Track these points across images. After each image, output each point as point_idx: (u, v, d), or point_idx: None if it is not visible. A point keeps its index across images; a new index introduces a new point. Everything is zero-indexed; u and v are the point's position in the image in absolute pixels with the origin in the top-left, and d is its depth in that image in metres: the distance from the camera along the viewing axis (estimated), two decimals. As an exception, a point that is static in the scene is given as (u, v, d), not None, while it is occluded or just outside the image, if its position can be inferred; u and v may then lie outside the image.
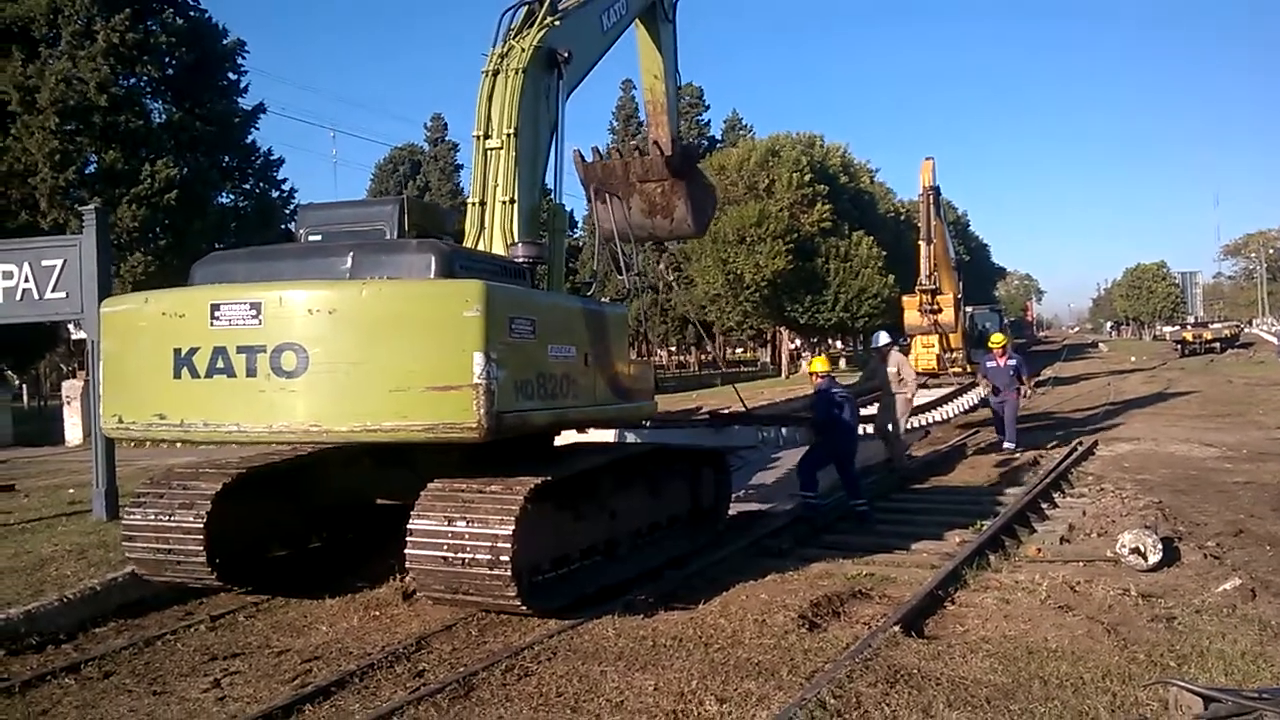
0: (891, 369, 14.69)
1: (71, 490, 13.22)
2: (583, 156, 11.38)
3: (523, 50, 8.68)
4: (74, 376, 26.15)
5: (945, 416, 20.26)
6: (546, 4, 9.18)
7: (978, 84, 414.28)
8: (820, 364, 11.79)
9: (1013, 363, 16.58)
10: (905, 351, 31.11)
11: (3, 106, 24.84)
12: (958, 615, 7.16)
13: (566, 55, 9.00)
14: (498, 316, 6.34)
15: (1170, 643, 6.28)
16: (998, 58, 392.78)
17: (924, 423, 19.30)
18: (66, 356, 36.85)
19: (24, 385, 50.91)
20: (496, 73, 8.67)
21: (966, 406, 20.78)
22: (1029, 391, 17.11)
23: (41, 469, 17.45)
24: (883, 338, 15.74)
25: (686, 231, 12.22)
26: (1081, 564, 8.60)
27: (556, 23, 9.20)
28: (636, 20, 11.61)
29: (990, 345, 17.79)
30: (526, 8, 9.17)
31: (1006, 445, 15.96)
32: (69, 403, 23.63)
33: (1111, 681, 5.57)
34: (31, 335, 26.63)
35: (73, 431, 22.78)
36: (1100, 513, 11.00)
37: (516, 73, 8.56)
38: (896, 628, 6.45)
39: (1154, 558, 8.29)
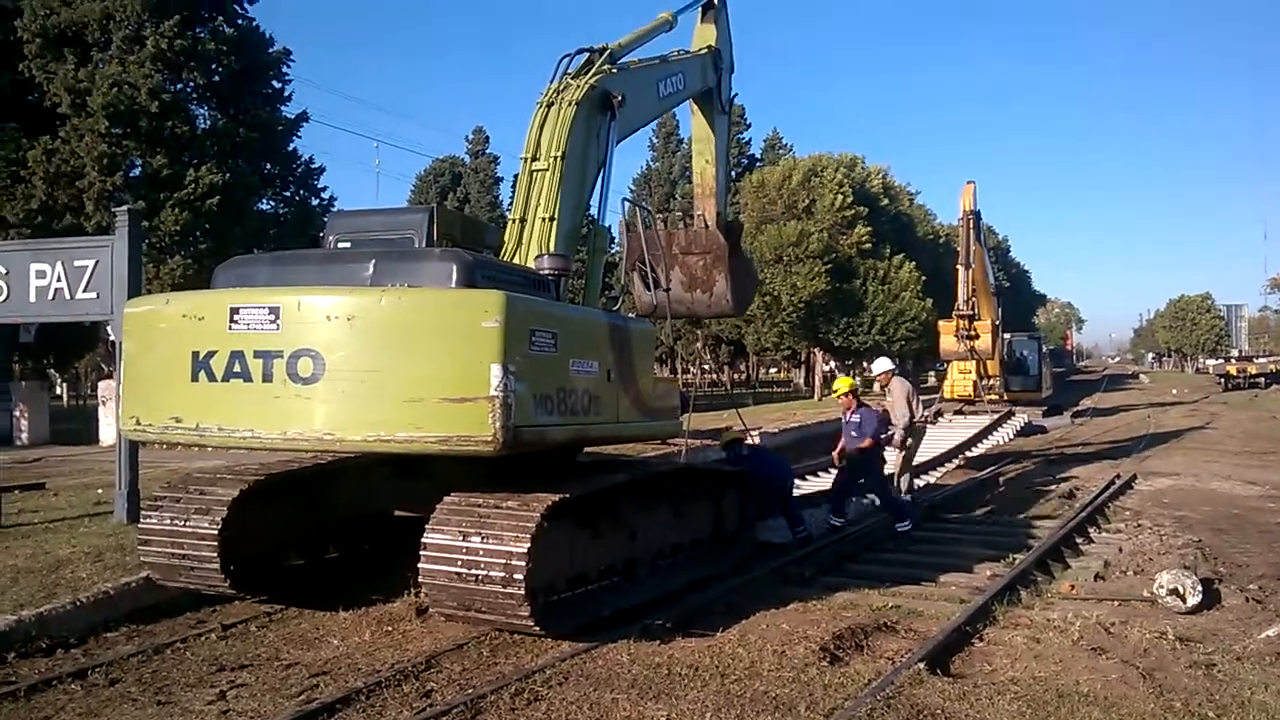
0: (888, 400, 13.13)
1: (99, 490, 13.23)
2: (629, 226, 11.31)
3: (578, 87, 8.86)
4: (111, 377, 26.39)
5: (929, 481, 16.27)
6: (606, 54, 9.39)
7: (1022, 109, 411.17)
8: (732, 436, 11.30)
9: (855, 419, 11.57)
10: (941, 378, 30.85)
11: (54, 109, 25.22)
12: (986, 653, 6.90)
13: (620, 99, 9.14)
14: (518, 328, 6.20)
15: (1209, 691, 6.01)
16: (1043, 84, 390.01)
17: (918, 484, 14.69)
18: (105, 357, 37.30)
19: (65, 384, 51.71)
20: (550, 104, 8.82)
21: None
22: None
23: (74, 468, 17.55)
24: (878, 365, 13.77)
25: (725, 309, 12.22)
26: (1117, 603, 8.31)
27: (614, 71, 9.40)
28: (693, 103, 12.03)
29: (833, 391, 12.93)
30: (586, 55, 9.33)
31: (833, 521, 11.55)
32: (104, 403, 23.81)
33: (1146, 731, 5.30)
34: (72, 335, 26.96)
35: (107, 431, 22.92)
36: (1137, 550, 10.68)
37: (570, 105, 8.72)
38: (921, 665, 6.22)
39: (1193, 599, 7.99)
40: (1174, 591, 8.05)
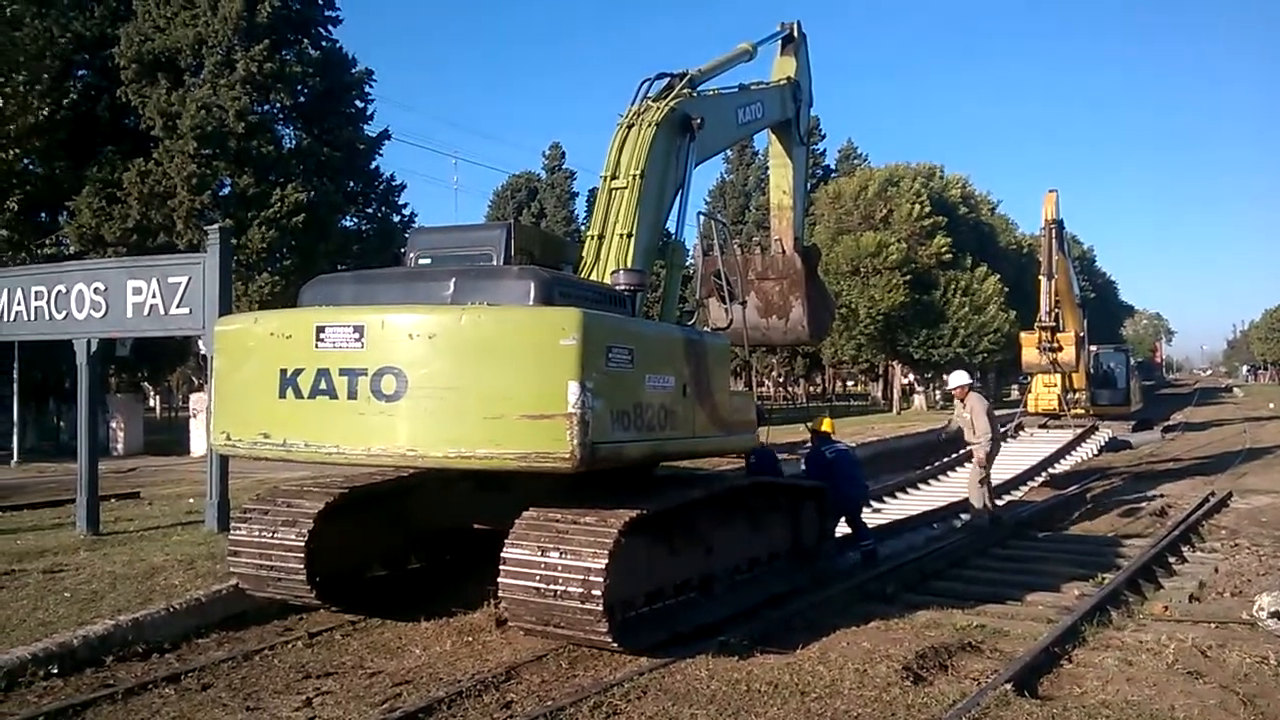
0: (965, 415, 12.95)
1: (190, 500, 13.68)
2: (705, 249, 11.37)
3: (659, 109, 8.99)
4: (202, 390, 27.26)
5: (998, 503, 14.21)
6: (686, 79, 9.50)
7: (1107, 115, 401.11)
8: (825, 425, 11.41)
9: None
10: (1024, 392, 30.16)
11: (148, 132, 26.23)
12: (1075, 675, 6.71)
13: (700, 121, 9.25)
14: (595, 345, 6.24)
15: (1315, 720, 5.75)
16: (1127, 88, 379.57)
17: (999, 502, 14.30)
18: (197, 370, 38.53)
19: (157, 396, 53.52)
20: (631, 125, 8.95)
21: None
22: None
23: (166, 478, 18.17)
24: (955, 378, 13.62)
25: (800, 335, 12.15)
26: (1213, 626, 8.01)
27: (694, 95, 9.55)
28: (771, 133, 12.18)
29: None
30: (667, 80, 9.45)
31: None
32: (195, 415, 24.64)
33: (1247, 761, 5.10)
34: (164, 349, 27.94)
35: (198, 442, 23.69)
36: (1234, 570, 10.28)
37: (650, 126, 8.84)
38: (1008, 686, 6.06)
39: (1296, 624, 7.65)
40: (1275, 614, 7.73)
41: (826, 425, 11.39)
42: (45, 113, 23.30)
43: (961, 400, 13.06)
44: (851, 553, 10.75)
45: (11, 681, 6.41)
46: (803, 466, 11.32)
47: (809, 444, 11.34)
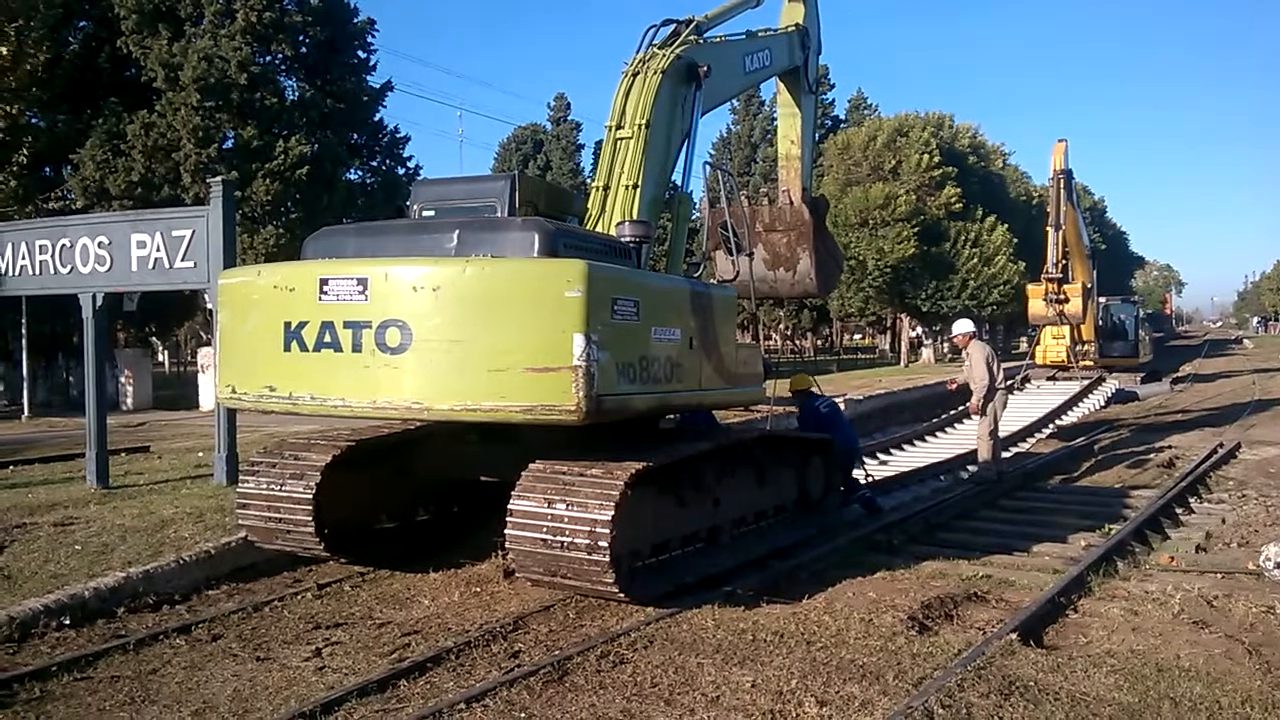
0: (966, 365, 12.78)
1: (200, 454, 13.74)
2: (712, 201, 11.24)
3: (664, 56, 8.87)
4: (209, 344, 27.31)
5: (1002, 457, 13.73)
6: (692, 25, 9.39)
7: (1119, 65, 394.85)
8: (803, 382, 11.42)
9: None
10: (1034, 343, 30.09)
11: (150, 84, 25.98)
12: (1081, 625, 6.74)
13: (706, 69, 9.11)
14: (600, 297, 6.18)
15: (1321, 670, 5.76)
16: (1139, 37, 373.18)
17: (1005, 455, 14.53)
18: (204, 324, 38.57)
19: (166, 351, 53.67)
20: (636, 74, 8.83)
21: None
22: None
23: (175, 432, 18.28)
24: (958, 326, 13.49)
25: (808, 288, 12.04)
26: (1220, 576, 8.02)
27: (700, 42, 9.42)
28: (779, 82, 12.02)
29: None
30: (672, 27, 9.33)
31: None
32: (203, 369, 24.74)
33: (1252, 709, 5.13)
34: (171, 303, 27.95)
35: (206, 397, 23.83)
36: (1242, 521, 10.30)
37: (656, 74, 8.71)
38: (1014, 635, 6.09)
39: (1303, 574, 7.66)
40: (1282, 565, 7.75)
41: (804, 382, 11.33)
42: (42, 60, 23.05)
43: (964, 349, 12.98)
44: (854, 504, 10.77)
45: (25, 632, 6.49)
46: (797, 425, 11.29)
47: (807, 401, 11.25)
